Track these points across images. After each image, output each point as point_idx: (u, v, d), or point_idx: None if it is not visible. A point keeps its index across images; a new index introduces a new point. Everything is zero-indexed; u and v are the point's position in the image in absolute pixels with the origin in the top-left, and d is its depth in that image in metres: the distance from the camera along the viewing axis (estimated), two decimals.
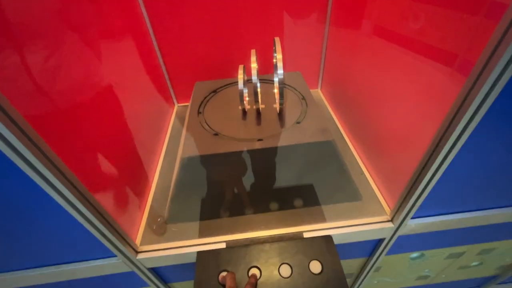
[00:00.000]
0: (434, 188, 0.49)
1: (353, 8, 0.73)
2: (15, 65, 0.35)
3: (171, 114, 0.99)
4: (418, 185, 0.48)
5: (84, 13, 0.52)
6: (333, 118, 0.91)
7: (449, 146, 0.41)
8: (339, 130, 0.86)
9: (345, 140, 0.82)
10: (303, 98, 0.72)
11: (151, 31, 0.82)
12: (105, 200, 0.48)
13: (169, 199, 0.62)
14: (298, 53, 0.94)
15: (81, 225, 0.45)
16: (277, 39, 0.58)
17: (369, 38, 0.65)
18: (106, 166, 0.53)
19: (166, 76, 0.94)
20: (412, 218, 0.57)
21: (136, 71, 0.76)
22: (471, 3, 0.36)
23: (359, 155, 0.76)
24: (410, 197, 0.51)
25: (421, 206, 0.53)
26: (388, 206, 0.62)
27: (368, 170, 0.71)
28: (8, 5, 0.34)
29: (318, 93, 1.04)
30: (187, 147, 0.58)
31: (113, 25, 0.64)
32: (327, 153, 0.60)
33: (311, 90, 0.75)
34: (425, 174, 0.46)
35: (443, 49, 0.42)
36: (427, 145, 0.44)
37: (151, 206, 0.66)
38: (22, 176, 0.35)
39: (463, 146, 0.41)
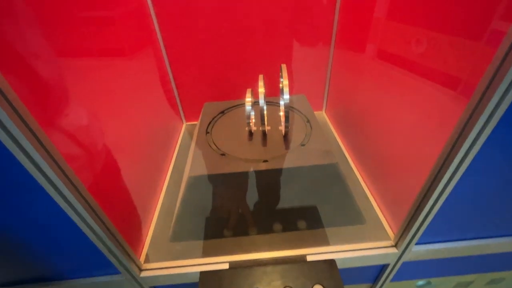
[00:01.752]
0: (438, 213, 0.49)
1: (357, 33, 0.76)
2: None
3: (180, 132, 1.02)
4: (422, 210, 0.48)
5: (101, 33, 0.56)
6: (337, 141, 0.92)
7: (453, 169, 0.42)
8: (343, 152, 0.87)
9: (348, 163, 0.83)
10: (308, 121, 0.75)
11: (164, 51, 0.87)
12: (114, 215, 0.50)
13: (174, 217, 0.63)
14: (303, 75, 0.98)
15: (89, 240, 0.46)
16: (283, 66, 0.62)
17: (373, 61, 0.68)
18: (116, 180, 0.55)
19: (176, 95, 0.98)
20: (417, 243, 0.57)
21: (149, 89, 0.79)
22: (471, 30, 0.38)
23: (362, 178, 0.76)
24: (414, 222, 0.51)
25: (426, 231, 0.53)
26: (392, 230, 0.62)
27: (371, 193, 0.71)
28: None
29: (323, 115, 1.06)
30: (194, 166, 0.60)
31: (129, 45, 0.68)
32: (330, 176, 0.61)
33: (315, 112, 0.77)
34: (429, 199, 0.46)
35: (445, 73, 0.44)
36: (430, 168, 0.45)
37: (157, 224, 0.67)
38: (34, 187, 0.37)
39: (467, 169, 0.41)
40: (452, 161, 0.41)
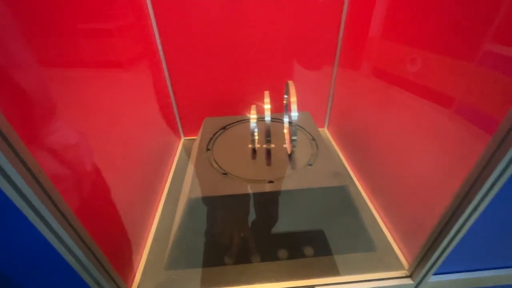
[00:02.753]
0: (460, 242, 0.45)
1: (363, 52, 0.75)
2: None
3: (177, 148, 0.97)
4: (443, 239, 0.45)
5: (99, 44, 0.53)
6: (341, 159, 0.89)
7: (477, 201, 0.39)
8: (348, 171, 0.84)
9: (354, 183, 0.79)
10: (313, 139, 0.72)
11: (164, 63, 0.84)
12: (102, 241, 0.44)
13: (170, 242, 0.57)
14: (305, 92, 0.96)
15: (73, 270, 0.40)
16: (290, 83, 0.59)
17: (383, 83, 0.67)
18: (106, 202, 0.49)
19: (175, 108, 0.94)
20: (434, 274, 0.53)
21: (145, 102, 0.75)
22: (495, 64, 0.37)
23: (370, 200, 0.73)
24: (434, 252, 0.47)
25: (444, 261, 0.49)
26: (405, 259, 0.57)
27: (381, 218, 0.68)
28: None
29: (325, 132, 1.04)
30: (194, 187, 0.56)
31: (129, 56, 0.65)
32: (340, 199, 0.57)
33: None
34: (451, 228, 0.43)
35: (467, 102, 0.42)
36: (450, 197, 0.42)
37: (151, 249, 0.61)
38: (12, 210, 0.32)
39: (492, 200, 0.39)
40: (477, 191, 0.38)
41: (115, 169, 0.54)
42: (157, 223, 0.68)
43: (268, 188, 0.55)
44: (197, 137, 0.83)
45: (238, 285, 0.53)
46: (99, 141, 0.49)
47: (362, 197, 0.74)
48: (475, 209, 0.40)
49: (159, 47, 0.81)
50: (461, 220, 0.42)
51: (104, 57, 0.55)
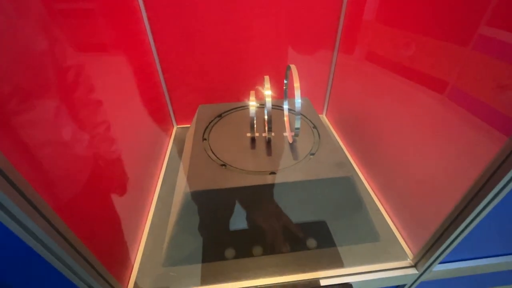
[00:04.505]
0: (468, 235, 0.44)
1: (365, 37, 0.71)
2: None
3: (170, 137, 0.93)
4: (452, 233, 0.43)
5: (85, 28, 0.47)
6: (342, 147, 0.87)
7: (492, 196, 0.37)
8: (347, 158, 0.82)
9: (354, 169, 0.78)
10: (315, 127, 0.68)
11: (153, 46, 0.77)
12: (92, 239, 0.41)
13: (167, 238, 0.54)
14: (303, 78, 0.91)
15: (63, 276, 0.37)
16: (293, 66, 0.55)
17: (385, 71, 0.63)
18: (95, 196, 0.45)
19: (166, 95, 0.89)
20: (439, 263, 0.52)
21: (134, 88, 0.69)
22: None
23: (372, 189, 0.71)
24: (441, 244, 0.46)
25: (450, 252, 0.48)
26: (409, 248, 0.57)
27: (383, 207, 0.66)
28: None
29: (324, 118, 1.01)
30: (192, 180, 0.52)
31: (115, 40, 0.59)
32: (344, 190, 0.55)
33: None
34: (461, 222, 0.41)
35: (484, 102, 0.39)
36: (462, 192, 0.41)
37: (146, 245, 0.58)
38: None
39: (507, 195, 0.37)
40: (493, 187, 0.36)
41: (103, 162, 0.49)
42: (152, 217, 0.64)
43: (270, 180, 0.52)
44: (191, 126, 0.78)
45: (241, 280, 0.51)
46: (83, 132, 0.44)
47: (364, 185, 0.72)
48: (489, 203, 0.38)
49: (147, 28, 0.74)
50: (473, 214, 0.40)
51: (87, 42, 0.49)
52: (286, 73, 0.65)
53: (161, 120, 0.88)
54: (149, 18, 0.73)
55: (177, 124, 0.98)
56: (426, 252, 0.50)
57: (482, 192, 0.38)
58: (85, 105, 0.45)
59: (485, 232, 0.47)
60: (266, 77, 0.58)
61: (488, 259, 0.55)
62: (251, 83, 0.88)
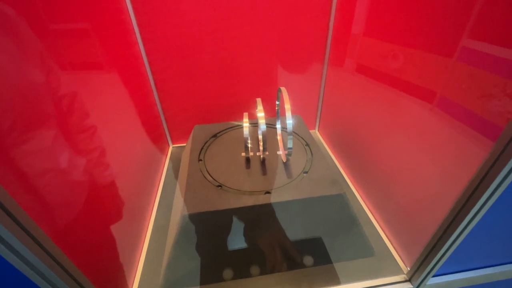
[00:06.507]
0: (459, 246, 0.46)
1: (353, 52, 0.75)
2: None
3: (166, 156, 0.94)
4: (444, 244, 0.45)
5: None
6: (335, 163, 0.89)
7: (479, 206, 0.39)
8: (341, 173, 0.84)
9: (348, 185, 0.79)
10: (307, 145, 0.71)
11: (148, 68, 0.80)
12: (89, 270, 0.41)
13: (165, 262, 0.55)
14: (295, 94, 0.95)
15: None
16: (283, 89, 0.57)
17: (373, 82, 0.66)
18: (90, 221, 0.46)
19: (162, 115, 0.91)
20: (433, 276, 0.53)
21: (129, 109, 0.70)
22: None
23: (365, 204, 0.73)
24: (434, 256, 0.47)
25: (443, 264, 0.50)
26: (404, 262, 0.58)
27: (377, 221, 0.68)
28: None
29: (316, 134, 1.04)
30: (189, 202, 0.53)
31: (109, 63, 0.60)
32: (338, 207, 0.57)
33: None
34: (452, 233, 0.43)
35: (468, 107, 0.42)
36: (451, 203, 0.42)
37: (143, 269, 0.58)
38: None
39: (493, 205, 0.39)
40: (480, 197, 0.38)
41: (98, 187, 0.50)
42: (149, 240, 0.64)
43: (265, 199, 0.54)
44: (186, 145, 0.79)
45: None
46: (79, 158, 0.45)
47: (358, 201, 0.74)
48: (477, 213, 0.40)
49: (142, 50, 0.76)
50: (462, 225, 0.42)
51: (82, 62, 0.51)
52: (278, 95, 0.68)
53: (157, 140, 0.89)
54: (143, 39, 0.75)
55: (172, 144, 0.99)
56: (420, 266, 0.51)
57: (470, 203, 0.39)
58: (80, 132, 0.46)
59: (476, 243, 0.48)
60: (258, 100, 0.61)
61: (481, 270, 0.56)
62: (244, 102, 0.91)
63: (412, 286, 0.54)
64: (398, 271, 0.56)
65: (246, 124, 0.61)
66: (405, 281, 0.55)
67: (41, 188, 0.36)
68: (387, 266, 0.57)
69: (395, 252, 0.60)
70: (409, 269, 0.55)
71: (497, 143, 0.34)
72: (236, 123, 0.81)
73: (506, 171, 0.34)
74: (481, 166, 0.37)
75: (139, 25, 0.73)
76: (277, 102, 0.69)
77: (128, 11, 0.70)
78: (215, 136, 0.75)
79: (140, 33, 0.74)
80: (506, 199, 0.39)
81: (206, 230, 0.54)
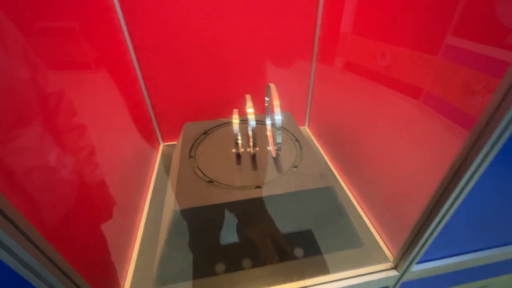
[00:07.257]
0: (440, 233, 0.48)
1: (341, 48, 0.76)
2: None
3: (157, 154, 0.94)
4: (425, 231, 0.47)
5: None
6: (323, 156, 0.91)
7: (456, 193, 0.41)
8: (330, 168, 0.86)
9: (337, 179, 0.81)
10: (296, 140, 0.72)
11: (136, 65, 0.79)
12: (81, 267, 0.41)
13: (158, 257, 0.55)
14: (284, 91, 0.96)
15: None
16: (272, 86, 0.59)
17: (358, 78, 0.68)
18: (82, 219, 0.46)
19: (152, 113, 0.90)
20: (417, 263, 0.56)
21: (119, 108, 0.70)
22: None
23: (354, 197, 0.75)
24: (417, 243, 0.50)
25: (426, 251, 0.52)
26: (390, 251, 0.60)
27: (364, 212, 0.70)
28: None
29: (306, 130, 1.05)
30: (180, 198, 0.54)
31: (96, 61, 0.60)
32: (326, 199, 0.58)
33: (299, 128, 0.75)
34: (432, 220, 0.45)
35: (444, 98, 0.44)
36: (431, 191, 0.45)
37: (136, 265, 0.59)
38: None
39: (469, 192, 0.41)
40: (457, 183, 0.40)
41: (89, 184, 0.50)
42: (141, 237, 0.65)
43: (256, 193, 0.55)
44: (177, 143, 0.80)
45: None
46: (68, 156, 0.45)
47: (346, 194, 0.76)
48: (454, 201, 0.42)
49: (130, 46, 0.76)
50: (442, 212, 0.44)
51: (67, 64, 0.50)
52: (267, 91, 0.69)
53: (147, 139, 0.89)
54: (131, 36, 0.75)
55: (163, 142, 0.99)
56: (404, 254, 0.54)
57: (447, 191, 0.41)
58: (69, 130, 0.46)
59: (456, 230, 0.51)
60: (248, 96, 0.62)
61: (462, 256, 0.59)
62: (234, 99, 0.92)
63: (398, 273, 0.56)
64: (385, 259, 0.59)
65: (235, 120, 0.62)
66: (391, 268, 0.57)
67: (30, 186, 0.36)
68: (374, 255, 0.60)
69: (382, 242, 0.62)
70: (394, 257, 0.57)
71: (471, 132, 0.36)
72: (226, 120, 0.82)
73: (479, 160, 0.36)
74: (458, 155, 0.39)
75: (127, 22, 0.73)
76: (266, 99, 0.71)
77: (115, 8, 0.69)
78: (205, 133, 0.76)
79: (128, 30, 0.74)
80: (481, 188, 0.41)
81: (198, 225, 0.55)
